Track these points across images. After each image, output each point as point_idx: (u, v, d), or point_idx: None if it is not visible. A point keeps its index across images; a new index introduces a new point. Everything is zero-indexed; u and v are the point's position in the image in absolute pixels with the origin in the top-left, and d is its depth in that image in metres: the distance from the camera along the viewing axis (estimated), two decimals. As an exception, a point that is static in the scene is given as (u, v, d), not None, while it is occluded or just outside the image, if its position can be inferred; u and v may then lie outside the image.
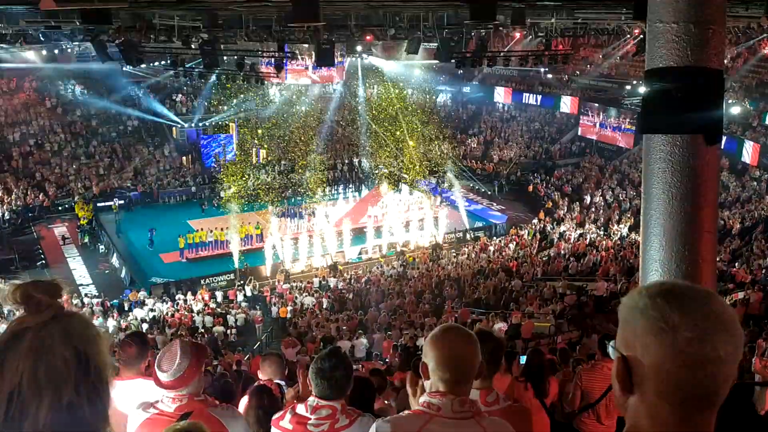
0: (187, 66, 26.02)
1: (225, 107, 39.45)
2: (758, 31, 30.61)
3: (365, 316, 21.49)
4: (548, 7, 19.60)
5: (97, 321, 21.78)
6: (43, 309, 1.39)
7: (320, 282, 26.25)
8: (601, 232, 29.56)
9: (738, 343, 1.30)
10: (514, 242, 30.04)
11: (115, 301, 24.34)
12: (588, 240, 28.39)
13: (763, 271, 20.47)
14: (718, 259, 21.13)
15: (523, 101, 45.92)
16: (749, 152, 31.06)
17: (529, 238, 30.40)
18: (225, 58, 24.70)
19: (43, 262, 29.07)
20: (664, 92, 2.53)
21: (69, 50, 34.21)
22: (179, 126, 41.77)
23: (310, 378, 3.03)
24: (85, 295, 25.52)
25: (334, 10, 18.94)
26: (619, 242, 27.41)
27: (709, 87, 2.54)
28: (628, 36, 30.86)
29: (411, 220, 32.20)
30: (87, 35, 18.64)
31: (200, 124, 41.38)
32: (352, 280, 26.43)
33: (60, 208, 34.89)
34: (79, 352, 1.37)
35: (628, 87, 39.00)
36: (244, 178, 34.70)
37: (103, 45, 19.67)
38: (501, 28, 25.23)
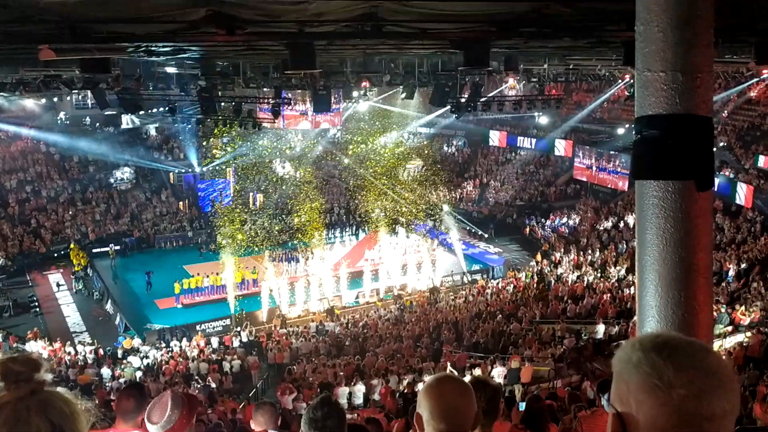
0: (184, 112, 26.31)
1: (222, 153, 39.70)
2: (747, 76, 31.24)
3: (363, 361, 21.25)
4: (540, 54, 19.95)
5: (91, 369, 21.52)
6: (21, 384, 1.38)
7: (317, 327, 26.02)
8: (599, 274, 29.50)
9: (735, 400, 1.26)
10: (512, 285, 29.93)
11: (108, 348, 24.05)
12: (585, 282, 28.32)
13: (762, 313, 20.38)
14: (715, 300, 21.09)
15: (518, 144, 46.33)
16: (743, 194, 31.24)
17: (527, 280, 30.31)
18: (222, 104, 24.98)
19: (37, 309, 28.82)
20: (654, 139, 2.56)
21: (68, 98, 34.58)
22: (176, 171, 41.98)
23: (302, 428, 2.98)
24: (79, 342, 25.22)
25: (331, 57, 19.23)
26: (616, 284, 27.34)
27: (698, 134, 2.57)
28: (620, 81, 31.39)
29: (408, 263, 32.13)
30: (86, 84, 18.85)
31: (198, 170, 41.57)
32: (350, 325, 26.21)
33: (55, 254, 34.78)
34: (56, 427, 1.36)
35: (621, 130, 39.42)
36: (240, 223, 34.70)
37: (102, 93, 19.90)
38: (495, 74, 25.61)
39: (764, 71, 29.67)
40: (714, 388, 1.24)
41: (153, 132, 44.39)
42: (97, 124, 41.12)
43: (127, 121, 35.88)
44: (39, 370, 1.43)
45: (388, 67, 22.38)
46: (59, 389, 1.47)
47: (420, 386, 16.24)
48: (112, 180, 40.93)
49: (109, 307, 29.49)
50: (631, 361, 1.29)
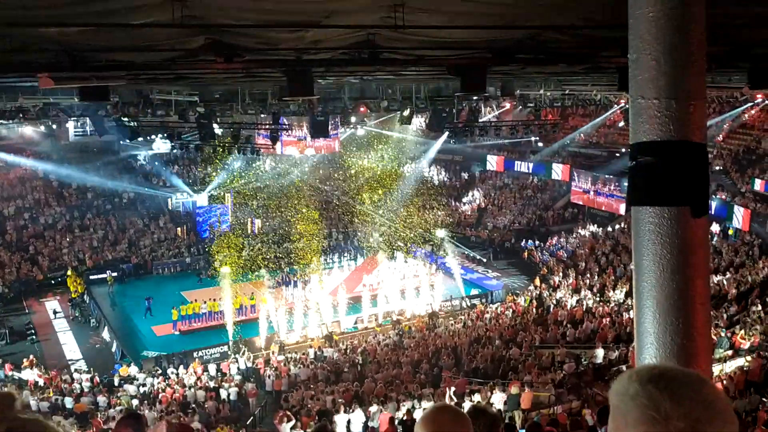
0: (183, 138, 26.40)
1: (220, 178, 39.82)
2: (741, 101, 31.52)
3: (361, 387, 21.08)
4: (537, 80, 20.13)
5: (86, 398, 21.34)
6: None
7: (315, 353, 25.85)
8: (598, 299, 29.41)
9: (732, 428, 1.26)
10: (511, 309, 29.82)
11: (105, 376, 23.86)
12: (585, 306, 28.23)
13: (761, 337, 20.30)
14: (715, 324, 21.00)
15: (515, 169, 46.51)
16: (740, 218, 31.32)
17: (526, 305, 30.21)
18: (221, 130, 25.12)
19: (34, 337, 28.62)
20: (649, 166, 2.57)
21: (67, 125, 34.72)
22: (174, 197, 42.03)
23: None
24: (75, 370, 25.03)
25: (328, 84, 19.39)
26: (615, 308, 27.25)
27: (693, 160, 2.58)
28: (615, 106, 31.64)
29: (406, 288, 32.02)
30: (85, 111, 18.98)
31: (196, 195, 41.63)
32: (348, 351, 26.05)
33: (53, 281, 34.66)
34: None
35: (618, 155, 39.64)
36: (238, 248, 34.67)
37: (100, 120, 20.02)
38: (491, 99, 25.85)
39: (758, 96, 29.96)
40: (711, 419, 1.23)
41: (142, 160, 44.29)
42: (95, 149, 41.16)
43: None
44: (12, 406, 1.40)
45: (385, 92, 22.59)
46: (40, 418, 1.44)
47: (418, 413, 16.10)
48: (109, 206, 40.93)
49: (105, 334, 29.31)
50: (628, 393, 1.29)
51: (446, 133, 25.97)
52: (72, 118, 24.94)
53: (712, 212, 31.60)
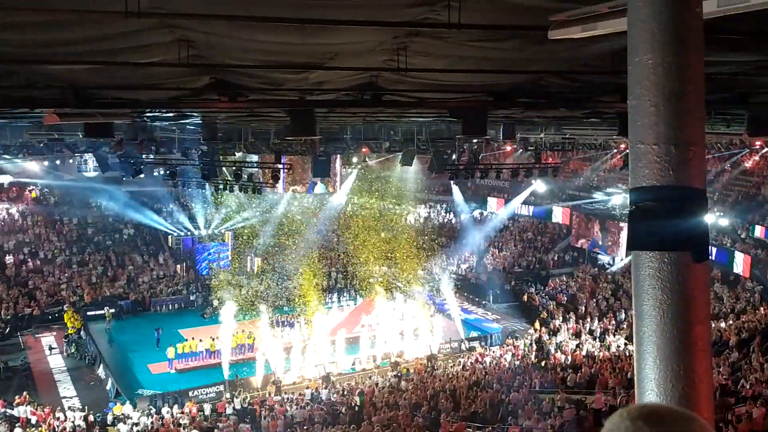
0: (186, 176, 26.55)
1: (221, 216, 39.92)
2: (740, 146, 31.78)
3: (358, 430, 20.73)
4: (537, 123, 20.33)
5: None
6: None
7: (312, 394, 25.51)
8: (598, 343, 29.17)
9: None
10: (510, 353, 29.54)
11: (98, 414, 23.50)
12: (585, 351, 27.98)
13: (764, 385, 20.04)
14: (717, 372, 20.76)
15: (516, 211, 46.60)
16: (740, 264, 31.27)
17: (525, 348, 29.94)
18: (223, 168, 25.26)
19: (28, 372, 28.29)
20: (649, 210, 2.58)
21: (70, 161, 34.96)
22: (175, 234, 42.05)
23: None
24: (69, 408, 24.66)
25: (331, 124, 19.58)
26: (616, 353, 27.00)
27: (692, 205, 2.59)
28: (615, 150, 31.86)
29: (405, 329, 31.77)
30: (89, 148, 19.13)
31: (197, 233, 41.64)
32: (346, 392, 25.71)
33: (50, 317, 34.42)
34: None
35: (619, 198, 39.79)
36: (237, 287, 34.57)
37: (104, 156, 20.16)
38: (492, 142, 26.06)
39: (756, 142, 30.21)
40: None
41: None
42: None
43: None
44: None
45: (387, 134, 22.77)
46: None
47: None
48: (109, 242, 40.94)
49: (101, 371, 28.98)
50: (619, 430, 1.31)
51: (443, 173, 25.95)
52: (76, 154, 25.08)
53: (713, 258, 31.57)
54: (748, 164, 36.11)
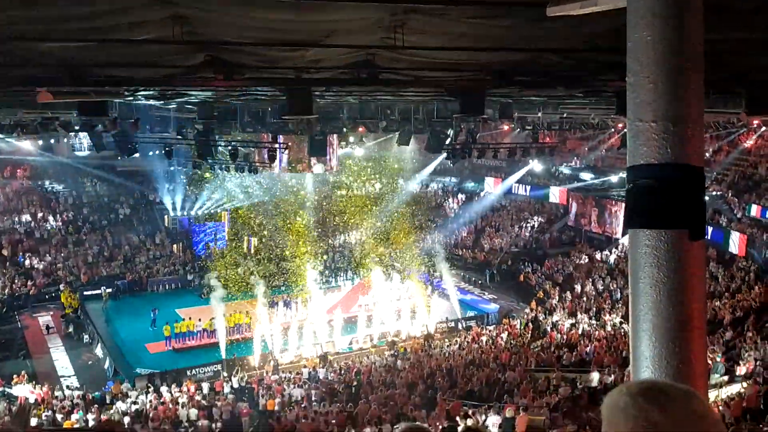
0: (181, 156, 26.44)
1: (217, 196, 39.80)
2: (738, 126, 31.74)
3: (355, 408, 20.90)
4: (535, 103, 20.24)
5: (77, 415, 21.09)
6: None
7: (310, 373, 25.67)
8: (594, 322, 29.34)
9: None
10: (507, 332, 29.71)
11: (96, 393, 23.63)
12: (581, 330, 28.14)
13: (757, 363, 20.21)
14: (711, 350, 20.91)
15: (513, 191, 46.60)
16: (736, 243, 31.36)
17: (522, 327, 30.11)
18: (219, 147, 25.12)
19: (25, 352, 28.40)
20: (646, 188, 2.57)
21: (65, 140, 34.77)
22: (172, 214, 41.98)
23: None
24: (67, 387, 24.79)
25: (327, 104, 19.47)
26: (611, 332, 27.16)
27: (690, 183, 2.58)
28: (612, 129, 31.80)
29: (402, 309, 31.90)
30: (83, 126, 18.98)
31: (192, 213, 41.55)
32: (343, 371, 25.88)
33: (47, 296, 34.44)
34: None
35: (615, 178, 39.82)
36: (234, 267, 34.62)
37: (98, 135, 20.02)
38: (490, 121, 25.95)
39: (755, 121, 30.16)
40: (699, 429, 1.26)
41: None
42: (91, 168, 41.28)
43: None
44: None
45: (384, 113, 22.63)
46: None
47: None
48: (105, 222, 40.89)
49: (98, 350, 29.10)
50: (619, 406, 1.33)
51: (443, 155, 25.91)
52: (70, 133, 24.91)
53: (708, 237, 31.65)
54: (747, 144, 36.09)
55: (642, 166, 2.59)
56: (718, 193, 35.05)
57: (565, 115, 24.57)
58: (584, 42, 7.09)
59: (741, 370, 20.03)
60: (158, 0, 5.39)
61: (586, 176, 43.67)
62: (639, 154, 2.60)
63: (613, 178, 40.20)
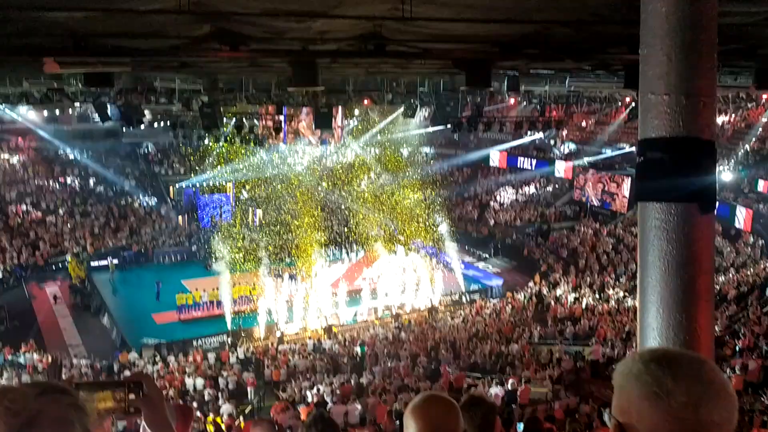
0: (186, 128, 26.37)
1: (222, 167, 39.78)
2: (747, 100, 31.45)
3: (359, 379, 21.13)
4: (542, 75, 20.07)
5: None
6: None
7: (314, 344, 25.91)
8: (597, 296, 29.45)
9: (732, 408, 1.33)
10: (510, 305, 29.86)
11: (105, 362, 23.93)
12: (584, 304, 28.27)
13: (760, 338, 20.31)
14: (715, 325, 21.01)
15: (518, 165, 46.46)
16: (742, 218, 31.30)
17: (525, 301, 30.25)
18: (224, 119, 25.06)
19: (33, 321, 28.67)
20: (657, 161, 2.57)
21: (70, 111, 34.68)
22: (177, 186, 42.05)
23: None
24: (75, 356, 25.08)
25: (333, 75, 19.34)
26: (615, 306, 27.29)
27: (701, 157, 2.58)
28: (620, 104, 31.54)
29: (406, 282, 32.04)
30: (89, 97, 18.95)
31: (198, 184, 41.59)
32: (347, 343, 26.10)
33: (54, 267, 34.69)
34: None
35: (621, 152, 39.63)
36: (239, 239, 34.73)
37: (104, 106, 19.98)
38: (496, 94, 25.80)
39: (764, 96, 29.87)
40: (711, 396, 1.31)
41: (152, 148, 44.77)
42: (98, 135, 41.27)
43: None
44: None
45: (389, 85, 22.50)
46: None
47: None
48: (111, 193, 41.02)
49: (105, 320, 29.38)
50: (632, 373, 1.36)
51: (445, 126, 25.69)
52: (75, 104, 24.87)
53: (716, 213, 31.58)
54: (758, 119, 35.81)
55: (653, 140, 2.58)
56: (727, 167, 34.87)
57: (572, 88, 24.39)
58: (594, 14, 7.02)
59: (745, 343, 20.13)
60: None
61: (592, 150, 43.46)
62: (650, 127, 2.60)
63: (619, 153, 40.01)
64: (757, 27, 7.89)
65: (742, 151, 35.54)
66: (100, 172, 41.85)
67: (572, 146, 45.12)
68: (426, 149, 45.34)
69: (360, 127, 37.12)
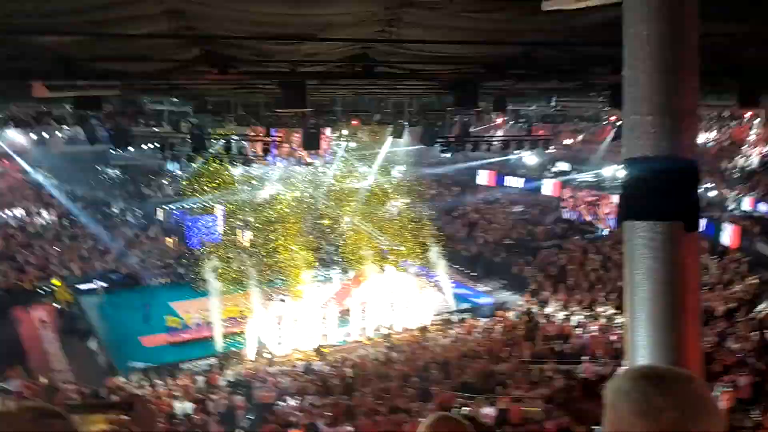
0: (175, 149, 26.28)
1: (211, 189, 39.63)
2: (729, 119, 31.87)
3: (350, 401, 20.97)
4: (530, 95, 20.28)
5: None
6: None
7: (305, 366, 25.72)
8: (587, 314, 29.46)
9: (719, 423, 1.35)
10: (500, 324, 29.82)
11: (93, 387, 23.61)
12: (575, 322, 28.27)
13: (749, 354, 20.38)
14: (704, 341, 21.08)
15: (506, 184, 46.67)
16: (728, 235, 31.53)
17: (515, 320, 30.22)
18: (213, 141, 25.06)
19: (20, 346, 28.28)
20: (642, 180, 2.61)
21: (58, 133, 34.56)
22: (166, 208, 41.87)
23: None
24: (63, 382, 24.73)
25: (321, 97, 19.43)
26: (605, 323, 27.30)
27: (685, 175, 2.62)
28: (605, 122, 31.84)
29: (396, 301, 31.94)
30: (78, 120, 18.93)
31: (186, 206, 41.38)
32: (337, 364, 25.94)
33: (40, 291, 34.30)
34: None
35: (608, 171, 39.92)
36: (228, 260, 34.56)
37: (92, 129, 19.96)
38: (484, 114, 25.96)
39: (746, 113, 30.29)
40: (699, 411, 1.35)
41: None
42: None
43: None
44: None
45: (378, 105, 22.61)
46: None
47: (406, 426, 16.05)
48: (99, 215, 40.81)
49: (93, 344, 29.06)
50: (622, 390, 1.38)
51: (432, 145, 25.78)
52: (64, 127, 24.80)
53: (702, 231, 31.79)
54: (742, 137, 36.24)
55: (637, 159, 2.63)
56: (711, 185, 35.19)
57: (558, 107, 24.61)
58: (579, 36, 7.13)
59: (734, 359, 20.18)
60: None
61: (579, 169, 43.77)
62: (634, 147, 2.64)
63: (606, 171, 40.30)
64: (739, 46, 8.03)
65: (728, 168, 35.93)
66: (88, 194, 41.62)
67: (560, 164, 45.42)
68: (416, 168, 45.37)
69: (349, 148, 37.21)
